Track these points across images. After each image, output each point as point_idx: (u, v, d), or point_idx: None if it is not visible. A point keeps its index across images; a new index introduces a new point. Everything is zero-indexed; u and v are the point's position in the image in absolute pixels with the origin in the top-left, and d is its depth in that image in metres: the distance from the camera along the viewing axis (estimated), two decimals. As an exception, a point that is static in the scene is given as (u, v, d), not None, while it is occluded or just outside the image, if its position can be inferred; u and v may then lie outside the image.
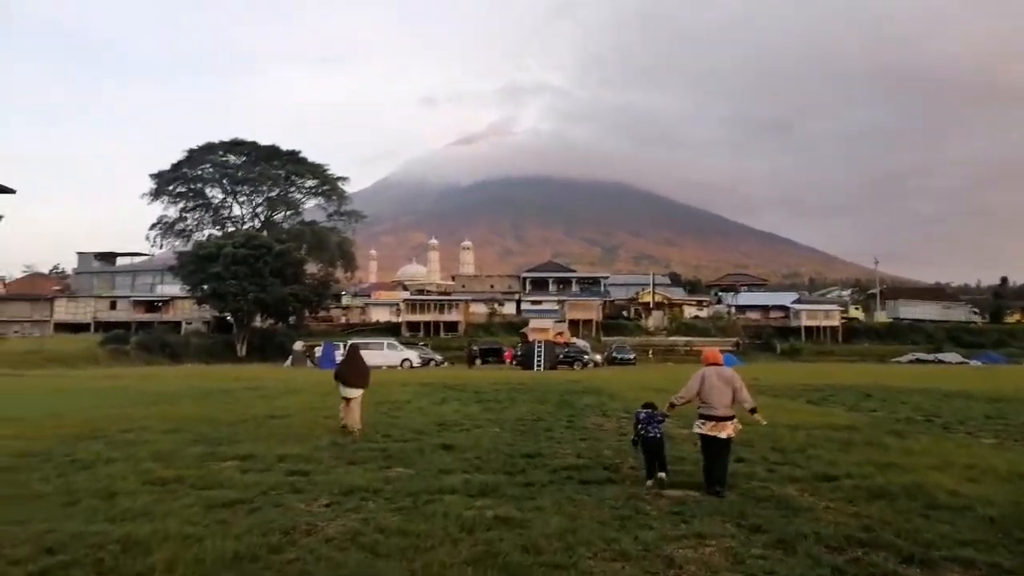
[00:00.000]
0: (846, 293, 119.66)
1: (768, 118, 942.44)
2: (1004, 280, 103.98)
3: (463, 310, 79.52)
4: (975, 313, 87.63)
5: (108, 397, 18.84)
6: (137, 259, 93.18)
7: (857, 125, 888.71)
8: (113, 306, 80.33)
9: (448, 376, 31.32)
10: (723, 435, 7.75)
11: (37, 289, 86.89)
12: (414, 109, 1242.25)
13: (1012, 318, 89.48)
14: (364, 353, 36.34)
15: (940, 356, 65.96)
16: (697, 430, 8.05)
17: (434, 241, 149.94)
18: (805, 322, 78.67)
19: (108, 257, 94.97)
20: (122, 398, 18.54)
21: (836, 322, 78.95)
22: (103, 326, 73.47)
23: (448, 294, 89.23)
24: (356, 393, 11.97)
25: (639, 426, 8.29)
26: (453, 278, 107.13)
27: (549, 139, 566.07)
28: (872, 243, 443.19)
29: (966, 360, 63.94)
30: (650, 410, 8.38)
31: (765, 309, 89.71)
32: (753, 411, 8.11)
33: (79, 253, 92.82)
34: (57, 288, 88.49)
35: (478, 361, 54.61)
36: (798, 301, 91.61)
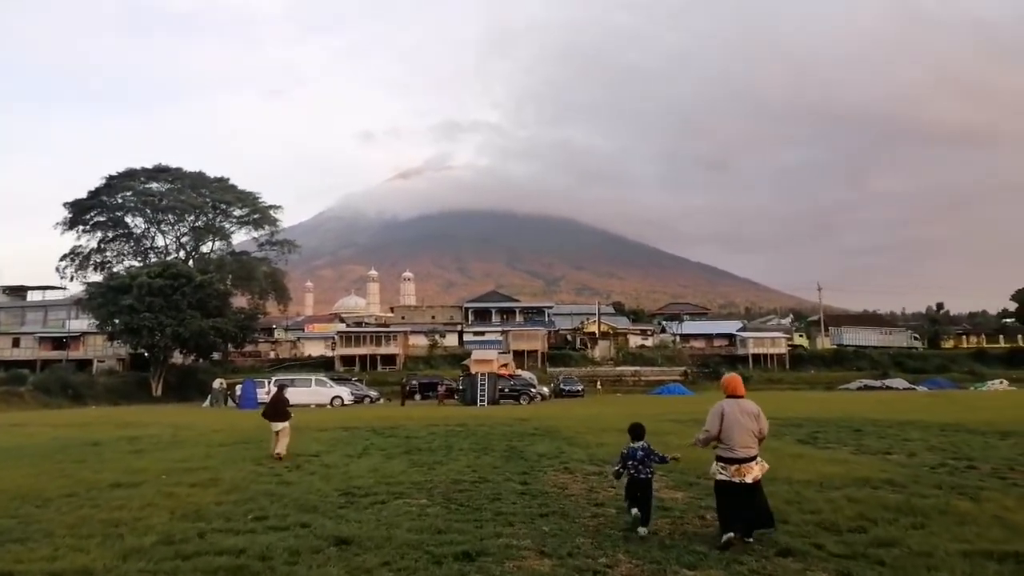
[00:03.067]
0: (785, 321, 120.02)
1: (702, 155, 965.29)
2: (940, 306, 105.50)
3: (402, 342, 75.48)
4: (915, 339, 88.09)
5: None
6: (51, 293, 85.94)
7: (786, 162, 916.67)
8: (16, 343, 73.35)
9: (379, 416, 27.58)
10: (749, 479, 6.61)
11: (-71, 326, 79.01)
12: (351, 144, 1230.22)
13: (948, 343, 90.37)
14: (291, 391, 31.87)
15: (887, 382, 65.17)
16: (718, 476, 6.77)
17: (373, 272, 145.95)
18: (752, 350, 77.36)
19: (18, 291, 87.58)
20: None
21: (783, 349, 77.92)
22: (4, 365, 66.64)
23: (387, 326, 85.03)
24: (281, 425, 13.58)
25: (630, 463, 7.23)
26: (392, 310, 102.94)
27: (487, 174, 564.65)
28: (802, 274, 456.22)
29: (913, 386, 63.26)
30: (645, 445, 7.32)
31: (710, 337, 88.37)
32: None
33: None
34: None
35: (417, 396, 50.87)
36: (743, 329, 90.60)
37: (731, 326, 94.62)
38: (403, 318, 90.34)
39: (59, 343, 73.62)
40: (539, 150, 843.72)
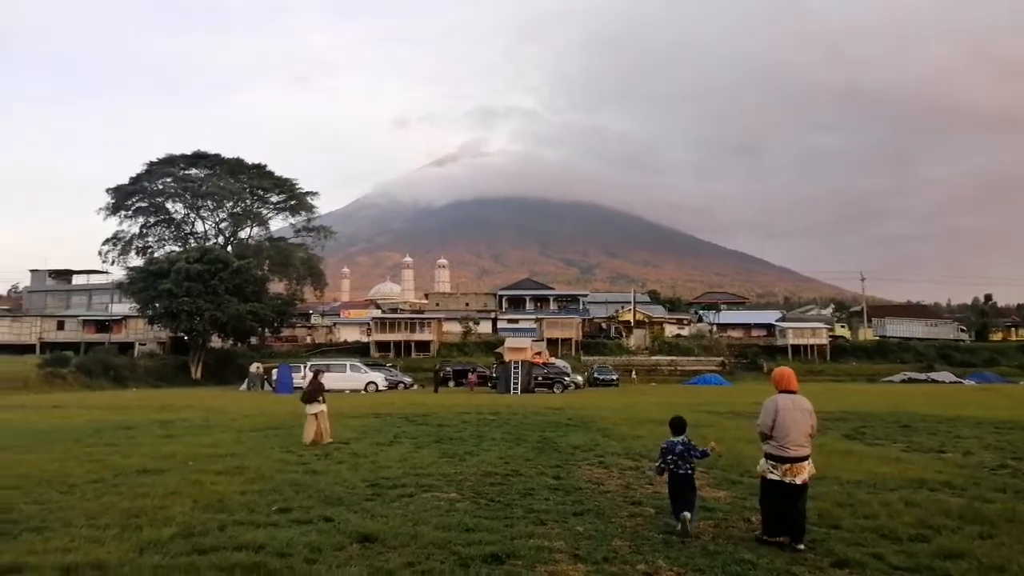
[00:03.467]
0: (825, 311, 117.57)
1: (735, 141, 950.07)
2: (988, 297, 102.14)
3: (436, 329, 75.51)
4: (962, 331, 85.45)
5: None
6: (95, 277, 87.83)
7: (824, 148, 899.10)
8: (61, 326, 75.08)
9: (412, 403, 27.45)
10: (799, 480, 6.27)
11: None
12: (386, 131, 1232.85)
13: (996, 336, 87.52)
14: (326, 376, 32.00)
15: (932, 375, 63.30)
16: (768, 475, 6.39)
17: (408, 259, 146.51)
18: (792, 340, 75.72)
19: (63, 275, 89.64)
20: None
21: (823, 340, 76.12)
22: (50, 347, 68.33)
23: (421, 312, 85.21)
24: (317, 408, 13.81)
25: (670, 458, 6.96)
26: (427, 296, 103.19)
27: (522, 160, 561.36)
28: (842, 263, 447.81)
29: (960, 380, 61.33)
30: (685, 439, 7.03)
31: (747, 327, 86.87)
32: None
33: (32, 271, 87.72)
34: (4, 308, 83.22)
35: (451, 383, 50.78)
36: (783, 319, 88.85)
37: (770, 316, 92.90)
38: (437, 305, 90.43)
39: (102, 326, 75.21)
40: (572, 136, 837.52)
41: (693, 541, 6.33)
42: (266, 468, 10.32)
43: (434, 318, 77.71)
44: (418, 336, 73.62)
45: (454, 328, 78.46)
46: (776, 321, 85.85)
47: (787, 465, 6.26)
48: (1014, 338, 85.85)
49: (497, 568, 5.48)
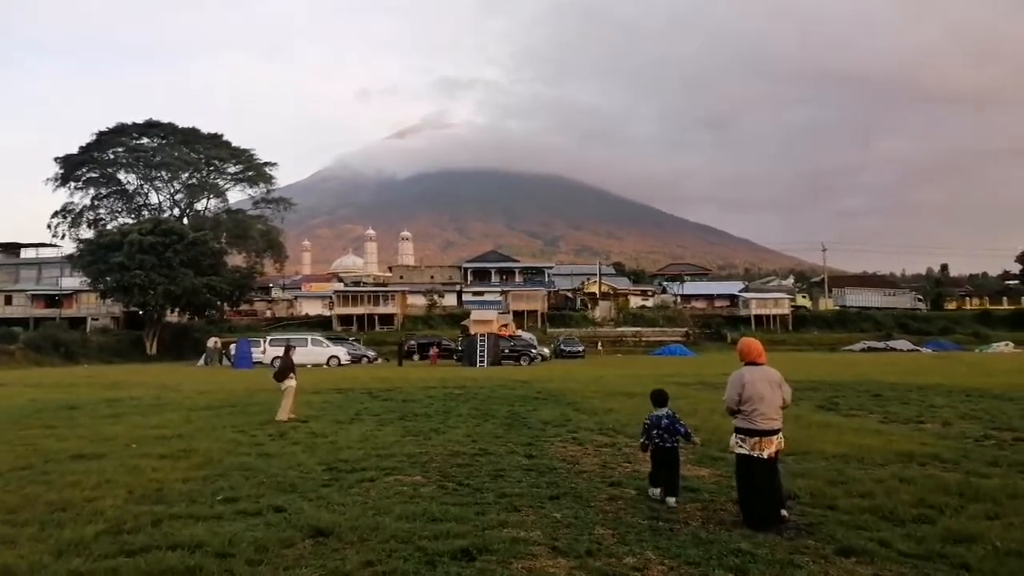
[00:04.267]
0: (786, 282, 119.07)
1: (702, 115, 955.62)
2: (944, 268, 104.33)
3: (400, 302, 74.50)
4: (919, 301, 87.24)
5: None
6: (45, 251, 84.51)
7: (788, 123, 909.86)
8: (8, 301, 72.35)
9: (376, 377, 26.70)
10: (766, 454, 5.97)
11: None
12: (348, 102, 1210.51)
13: (951, 305, 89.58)
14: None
15: (891, 344, 64.54)
16: (737, 450, 6.12)
17: (371, 232, 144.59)
18: (755, 311, 76.52)
19: (11, 248, 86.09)
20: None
21: (786, 310, 77.09)
22: (-2, 323, 65.69)
23: (385, 285, 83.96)
24: (286, 384, 13.76)
25: (655, 432, 6.75)
26: (391, 269, 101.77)
27: (486, 133, 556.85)
28: (801, 235, 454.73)
29: (917, 348, 62.64)
30: (669, 412, 6.84)
31: (711, 298, 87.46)
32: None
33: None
34: (-54, 282, 79.64)
35: (415, 357, 50.04)
36: (745, 290, 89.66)
37: (733, 287, 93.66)
38: (401, 278, 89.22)
39: (52, 301, 72.64)
40: (538, 109, 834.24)
41: (682, 528, 5.79)
42: (215, 451, 9.54)
43: (398, 291, 76.65)
44: (382, 309, 72.57)
45: (419, 301, 77.52)
46: (739, 292, 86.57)
47: (755, 439, 5.98)
48: (968, 307, 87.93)
49: (468, 566, 4.85)
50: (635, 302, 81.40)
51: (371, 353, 48.45)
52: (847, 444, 9.59)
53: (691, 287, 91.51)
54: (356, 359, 44.61)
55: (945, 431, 11.26)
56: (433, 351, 45.09)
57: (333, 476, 7.91)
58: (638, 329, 71.30)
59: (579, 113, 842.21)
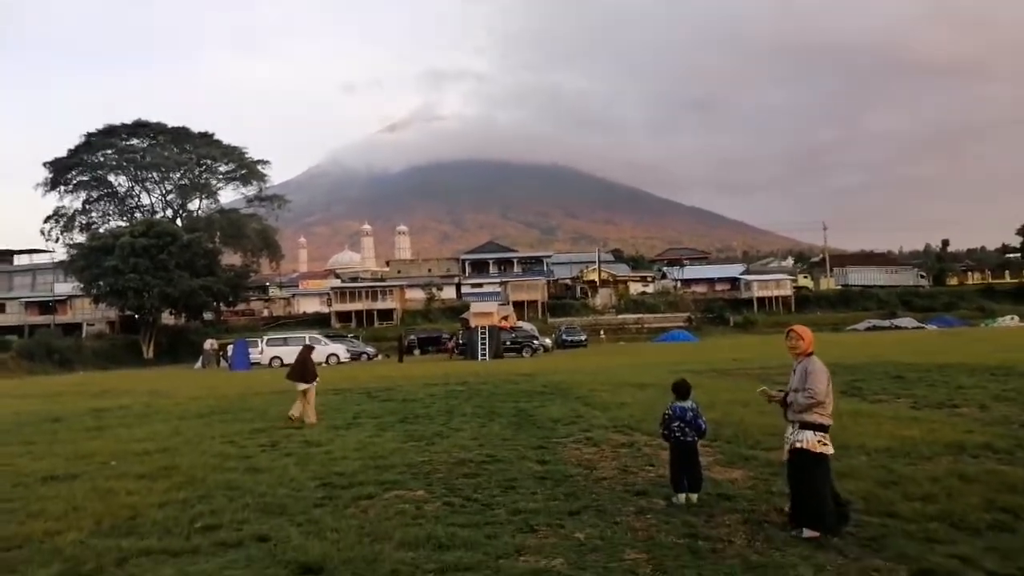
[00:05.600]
0: (786, 263, 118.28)
1: (691, 97, 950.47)
2: (945, 243, 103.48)
3: (399, 296, 73.73)
4: (922, 277, 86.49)
5: None
6: (39, 257, 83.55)
7: (776, 102, 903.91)
8: (2, 309, 71.44)
9: (375, 376, 25.93)
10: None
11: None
12: (335, 97, 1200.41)
13: (953, 280, 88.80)
14: (283, 349, 30.81)
15: (895, 321, 63.83)
16: (821, 449, 5.34)
17: (367, 227, 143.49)
18: (757, 293, 75.69)
19: (4, 255, 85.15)
20: None
21: (788, 291, 76.32)
22: (-8, 332, 64.84)
23: (382, 280, 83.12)
24: (305, 386, 13.09)
25: (676, 425, 6.41)
26: (388, 264, 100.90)
27: (476, 123, 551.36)
28: (796, 215, 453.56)
29: (922, 324, 61.92)
30: (693, 404, 6.54)
31: (711, 282, 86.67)
32: None
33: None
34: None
35: (416, 352, 49.31)
36: (746, 272, 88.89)
37: (734, 270, 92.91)
38: (399, 272, 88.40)
39: (46, 307, 71.75)
40: (527, 97, 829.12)
41: (726, 547, 5.02)
42: (199, 467, 8.75)
43: (396, 286, 75.88)
44: (380, 305, 71.81)
45: (417, 295, 76.70)
46: (740, 275, 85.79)
47: (828, 435, 5.46)
48: (970, 282, 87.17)
49: (483, 609, 4.09)
50: (635, 288, 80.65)
51: (370, 350, 47.69)
52: (887, 435, 8.83)
53: (691, 271, 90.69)
54: (355, 356, 43.85)
55: (985, 415, 10.50)
56: (450, 344, 44.13)
57: (327, 493, 7.13)
58: (640, 316, 70.55)
59: (568, 99, 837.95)
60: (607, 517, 5.91)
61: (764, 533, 5.34)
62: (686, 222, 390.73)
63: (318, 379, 13.62)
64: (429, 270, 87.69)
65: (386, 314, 71.37)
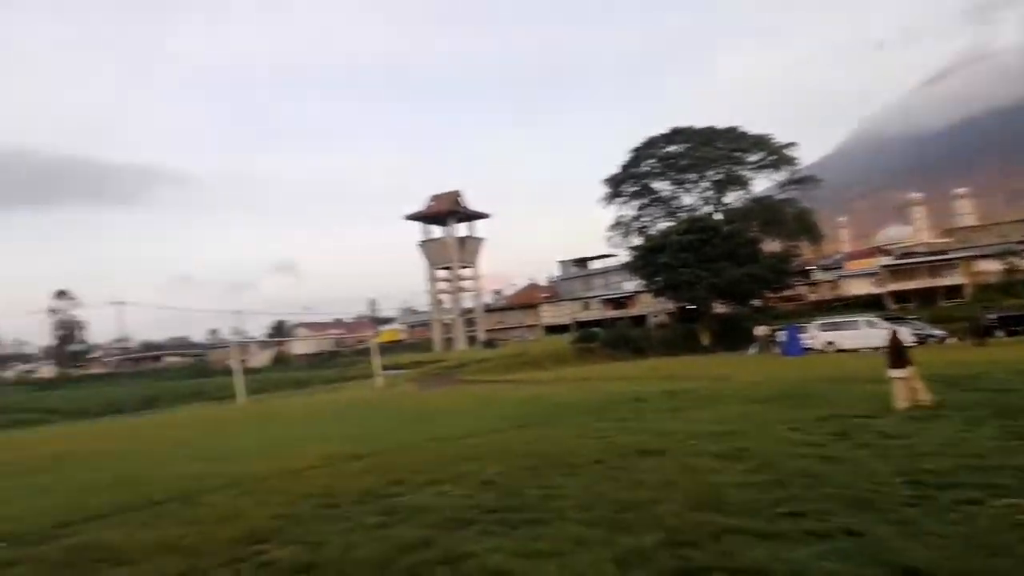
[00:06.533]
0: None
1: None
2: None
3: (965, 270, 63.61)
4: None
5: (480, 416, 16.75)
6: (608, 261, 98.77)
7: None
8: (586, 306, 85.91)
9: (949, 361, 22.35)
10: None
11: (531, 298, 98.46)
12: (863, 59, 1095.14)
13: None
14: (837, 334, 29.96)
15: None
16: None
17: (915, 195, 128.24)
18: None
19: (582, 262, 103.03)
20: (495, 416, 16.20)
21: None
22: (579, 325, 78.80)
23: (943, 253, 72.93)
24: (897, 373, 12.33)
25: None
26: (947, 233, 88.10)
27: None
28: None
29: None
30: None
31: None
32: None
33: (560, 262, 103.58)
34: (545, 295, 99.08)
35: (1000, 333, 41.63)
36: None
37: None
38: (963, 242, 76.26)
39: (618, 303, 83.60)
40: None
41: None
42: (771, 451, 8.85)
43: (960, 258, 65.68)
44: (942, 281, 63.24)
45: (991, 267, 64.89)
46: None
47: None
48: None
49: None
50: None
51: (938, 332, 42.22)
52: None
53: None
54: (921, 339, 39.30)
55: None
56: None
57: (918, 492, 6.40)
58: None
59: None
60: None
61: None
62: None
63: (912, 365, 12.43)
64: (1004, 236, 73.34)
65: (952, 291, 62.32)
